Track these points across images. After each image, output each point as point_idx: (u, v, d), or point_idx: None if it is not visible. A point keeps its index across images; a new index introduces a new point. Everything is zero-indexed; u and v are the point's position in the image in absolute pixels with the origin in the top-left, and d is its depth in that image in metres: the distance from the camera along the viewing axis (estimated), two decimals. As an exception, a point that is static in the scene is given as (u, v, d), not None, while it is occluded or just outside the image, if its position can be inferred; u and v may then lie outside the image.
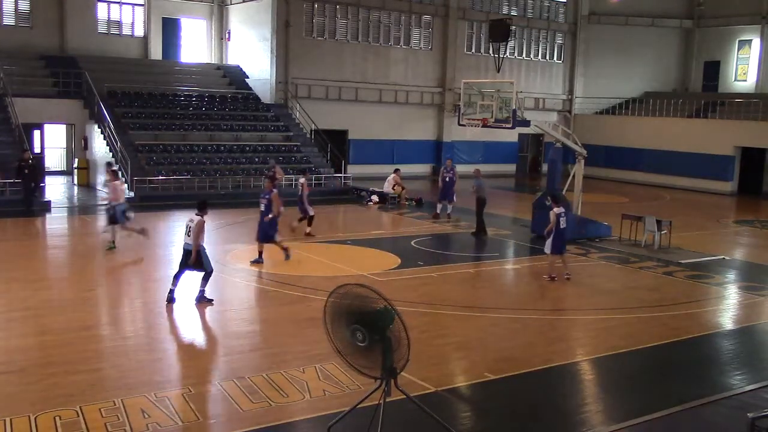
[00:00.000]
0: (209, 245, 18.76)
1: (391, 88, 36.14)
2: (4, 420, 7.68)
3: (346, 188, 28.93)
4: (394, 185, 26.60)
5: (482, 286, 15.47)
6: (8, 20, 31.44)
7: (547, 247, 15.45)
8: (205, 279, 12.80)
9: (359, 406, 7.63)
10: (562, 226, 15.21)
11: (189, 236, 12.56)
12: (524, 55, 40.79)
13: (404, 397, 7.59)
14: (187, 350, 10.78)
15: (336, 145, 32.08)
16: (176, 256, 17.46)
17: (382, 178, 27.49)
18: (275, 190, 15.93)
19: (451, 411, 8.67)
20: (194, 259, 12.51)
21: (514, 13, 39.65)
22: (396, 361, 7.20)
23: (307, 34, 34.00)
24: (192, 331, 11.77)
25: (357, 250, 18.11)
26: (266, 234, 15.94)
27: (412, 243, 19.02)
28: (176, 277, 12.78)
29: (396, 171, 26.93)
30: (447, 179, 23.13)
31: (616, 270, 17.01)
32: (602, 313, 13.20)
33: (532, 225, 20.85)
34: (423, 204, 26.38)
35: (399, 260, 16.78)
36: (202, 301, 12.68)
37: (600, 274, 16.69)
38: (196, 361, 10.17)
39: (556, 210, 15.23)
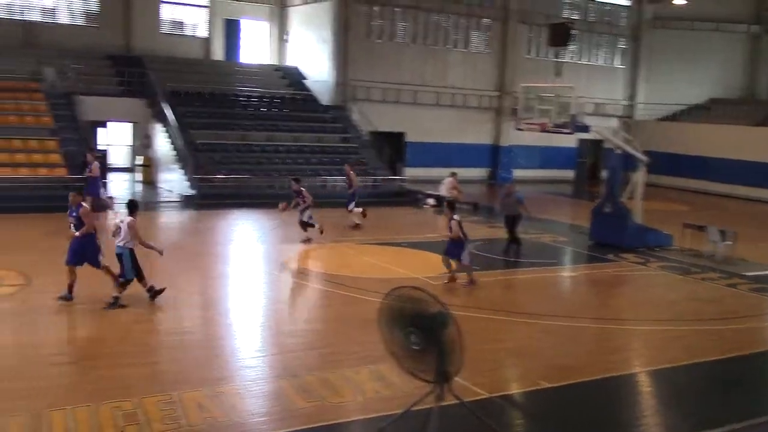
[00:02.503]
0: (266, 244, 19.05)
1: (449, 91, 36.03)
2: (65, 409, 7.89)
3: (401, 191, 28.92)
4: (450, 189, 26.48)
5: (538, 293, 15.27)
6: (78, 21, 32.40)
7: (465, 257, 14.31)
8: (122, 286, 12.04)
9: (412, 409, 7.61)
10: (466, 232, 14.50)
11: (117, 237, 11.97)
12: (585, 60, 40.22)
13: (458, 401, 7.54)
14: (243, 347, 10.91)
15: (393, 147, 32.11)
16: (234, 253, 17.78)
17: (438, 182, 27.40)
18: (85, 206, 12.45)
19: (504, 418, 8.59)
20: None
21: (574, 16, 39.12)
22: (450, 366, 7.16)
23: (366, 36, 34.17)
24: (248, 329, 11.91)
25: (412, 252, 18.09)
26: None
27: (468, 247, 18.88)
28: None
29: (452, 175, 26.77)
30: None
31: (676, 280, 16.61)
32: (661, 324, 12.91)
33: (590, 232, 20.51)
34: (479, 208, 26.19)
35: (454, 264, 16.67)
36: (115, 306, 11.83)
37: (659, 284, 16.33)
38: (251, 358, 10.28)
39: (456, 218, 14.26)
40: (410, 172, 31.91)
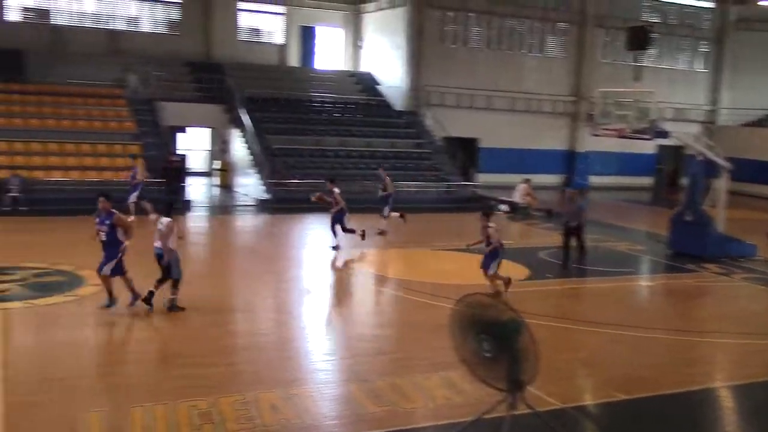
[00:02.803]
0: (339, 248, 19.20)
1: (524, 96, 35.63)
2: (144, 406, 8.13)
3: (474, 197, 28.75)
4: (524, 195, 26.21)
5: (613, 302, 14.93)
6: (160, 29, 33.46)
7: (492, 268, 13.61)
8: (175, 287, 11.99)
9: (483, 417, 7.55)
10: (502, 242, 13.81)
11: (157, 240, 11.92)
12: (665, 64, 39.16)
13: (530, 411, 7.44)
14: (314, 350, 11.03)
15: (466, 153, 31.97)
16: (307, 257, 18.01)
17: (512, 188, 27.15)
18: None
19: (578, 429, 8.43)
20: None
21: (654, 19, 38.16)
22: (523, 374, 7.08)
23: (439, 41, 34.14)
24: (320, 332, 12.03)
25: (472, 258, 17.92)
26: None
27: (541, 255, 18.64)
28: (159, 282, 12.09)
29: (526, 181, 26.52)
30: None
31: (759, 292, 16.00)
32: (742, 337, 12.43)
33: (669, 241, 19.95)
34: (553, 215, 25.80)
35: (527, 271, 16.50)
36: (173, 309, 11.89)
37: (742, 295, 15.75)
38: (323, 362, 10.39)
39: (493, 226, 13.63)
40: (483, 178, 31.67)
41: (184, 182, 26.20)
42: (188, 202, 24.42)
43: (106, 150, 25.02)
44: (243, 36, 34.88)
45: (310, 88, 33.48)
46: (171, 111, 28.21)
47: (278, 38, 35.75)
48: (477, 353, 7.17)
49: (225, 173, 30.19)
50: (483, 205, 16.25)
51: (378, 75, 35.21)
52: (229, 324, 12.04)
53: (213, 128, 31.52)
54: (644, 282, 17.54)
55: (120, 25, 32.70)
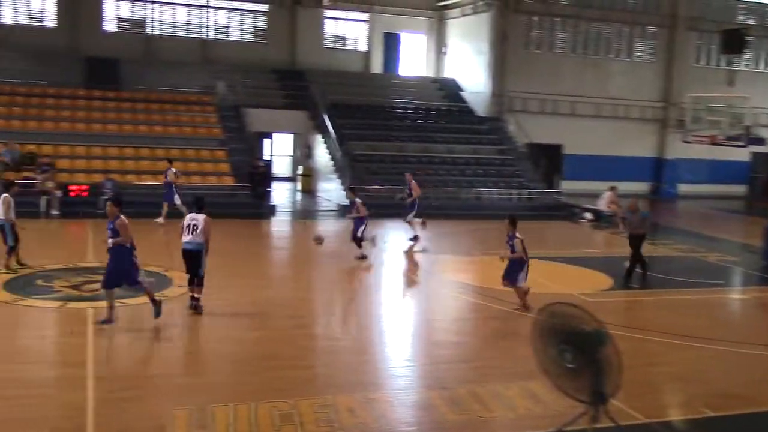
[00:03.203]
0: (420, 254, 19.20)
1: (610, 102, 34.80)
2: (227, 405, 8.31)
3: (557, 204, 28.28)
4: (609, 203, 25.60)
5: (702, 315, 14.38)
6: (247, 38, 34.32)
7: (520, 280, 13.05)
8: (200, 285, 12.03)
9: (564, 429, 7.40)
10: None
11: (192, 235, 11.70)
12: (761, 68, 37.61)
13: (613, 425, 7.25)
14: (393, 355, 11.05)
15: (549, 159, 31.49)
16: (387, 262, 18.06)
17: (597, 196, 26.56)
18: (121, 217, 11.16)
19: (663, 445, 8.16)
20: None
21: (750, 22, 36.70)
22: (606, 387, 6.90)
23: (524, 47, 33.77)
24: (399, 337, 12.04)
25: (567, 268, 17.63)
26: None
27: (627, 264, 18.15)
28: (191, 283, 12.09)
29: (612, 188, 25.87)
30: None
31: None
32: None
33: (763, 252, 19.11)
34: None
35: (611, 281, 16.10)
36: (198, 309, 11.96)
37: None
38: (402, 367, 10.39)
39: (519, 236, 12.93)
40: (567, 186, 31.14)
41: (269, 187, 26.74)
42: (273, 206, 24.89)
43: (194, 155, 25.78)
44: (327, 43, 35.41)
45: (392, 94, 33.68)
46: (257, 117, 28.88)
47: (362, 45, 36.12)
48: (559, 364, 7.04)
49: (308, 178, 30.66)
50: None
51: (461, 81, 35.09)
52: (309, 327, 12.20)
53: (297, 134, 32.07)
54: (736, 294, 16.86)
55: (210, 34, 33.69)
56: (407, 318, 13.12)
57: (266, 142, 33.09)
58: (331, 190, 27.84)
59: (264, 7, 34.19)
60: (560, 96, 33.88)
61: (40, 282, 13.57)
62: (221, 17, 33.99)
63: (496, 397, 9.04)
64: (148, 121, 27.09)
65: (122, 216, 10.96)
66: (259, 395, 8.63)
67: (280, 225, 23.66)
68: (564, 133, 33.54)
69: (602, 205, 25.74)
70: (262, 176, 25.13)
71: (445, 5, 36.06)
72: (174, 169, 21.61)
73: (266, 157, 32.12)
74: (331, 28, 35.57)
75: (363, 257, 17.12)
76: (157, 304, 11.23)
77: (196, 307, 11.95)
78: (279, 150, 34.25)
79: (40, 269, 14.52)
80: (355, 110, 30.84)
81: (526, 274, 12.97)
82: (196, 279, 11.94)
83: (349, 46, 36.15)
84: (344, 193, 26.10)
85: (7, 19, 31.23)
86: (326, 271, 16.87)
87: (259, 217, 23.41)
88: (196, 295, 11.99)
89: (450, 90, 34.76)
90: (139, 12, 32.82)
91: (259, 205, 24.26)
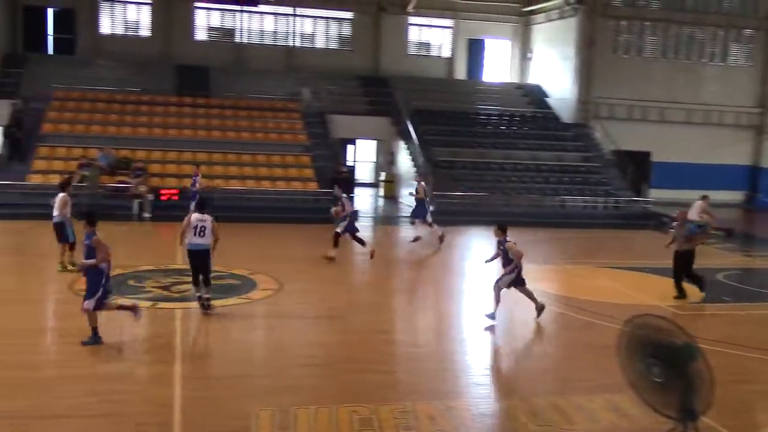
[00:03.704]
0: (499, 263, 19.01)
1: (702, 107, 33.66)
2: (309, 408, 8.40)
3: (645, 213, 27.49)
4: (701, 213, 24.68)
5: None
6: (332, 45, 34.83)
7: (505, 281, 12.62)
8: (208, 285, 12.21)
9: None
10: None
11: (200, 236, 11.92)
12: None
13: (703, 443, 6.99)
14: (474, 364, 10.94)
15: (637, 167, 30.65)
16: (469, 270, 17.95)
17: (687, 205, 25.66)
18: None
19: (757, 466, 7.80)
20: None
21: None
22: (696, 403, 6.65)
23: (611, 51, 33.03)
24: (480, 345, 11.92)
25: (654, 279, 17.08)
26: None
27: (719, 276, 17.49)
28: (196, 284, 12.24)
29: (704, 198, 24.92)
30: None
31: None
32: None
33: None
34: (733, 235, 24.13)
35: (702, 294, 15.51)
36: (209, 309, 12.09)
37: None
38: (482, 376, 10.28)
39: (512, 240, 12.56)
40: (655, 194, 30.24)
41: (352, 193, 27.00)
42: (355, 211, 25.05)
43: (280, 161, 26.28)
44: (411, 50, 35.54)
45: (476, 100, 33.51)
46: (341, 123, 29.23)
47: (446, 52, 36.09)
48: (646, 377, 6.83)
49: (391, 184, 30.78)
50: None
51: (546, 87, 34.61)
52: (390, 332, 12.22)
53: (380, 140, 32.26)
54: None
55: (296, 42, 34.33)
56: (489, 326, 12.97)
57: (350, 148, 33.42)
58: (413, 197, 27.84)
59: (349, 15, 34.64)
60: (649, 102, 32.98)
61: (132, 282, 14.07)
62: (307, 25, 34.63)
63: (579, 409, 8.83)
64: (236, 127, 27.78)
65: (97, 234, 10.29)
66: (339, 399, 8.70)
67: (362, 230, 23.78)
68: (653, 140, 32.61)
69: (693, 215, 24.81)
70: (345, 182, 25.36)
71: (530, 10, 35.65)
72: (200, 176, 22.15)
73: (349, 163, 32.43)
74: (414, 34, 35.71)
75: (366, 247, 17.37)
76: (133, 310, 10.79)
77: (207, 306, 12.06)
78: (362, 156, 34.54)
79: (132, 270, 15.05)
80: (438, 116, 30.81)
81: (513, 279, 12.43)
82: (203, 279, 12.07)
83: (433, 52, 36.19)
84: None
85: (106, 30, 32.61)
86: (407, 276, 16.88)
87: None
88: (205, 295, 12.12)
89: (534, 96, 34.33)
90: (229, 21, 33.77)
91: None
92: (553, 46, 34.34)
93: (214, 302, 12.34)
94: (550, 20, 34.49)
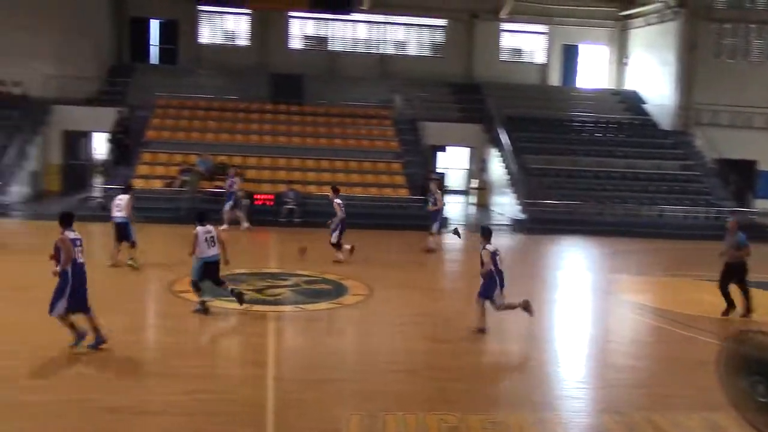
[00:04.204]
0: (595, 272, 18.60)
1: (813, 114, 31.94)
2: (397, 414, 8.42)
3: (750, 224, 26.25)
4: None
5: None
6: (425, 52, 34.93)
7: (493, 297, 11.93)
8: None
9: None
10: (500, 267, 11.89)
11: (214, 247, 12.19)
12: None
13: (812, 468, 6.62)
14: (567, 376, 10.71)
15: (742, 176, 29.34)
16: (561, 280, 17.62)
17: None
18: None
19: None
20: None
21: None
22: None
23: (714, 56, 31.74)
24: (573, 358, 11.67)
25: (758, 293, 16.30)
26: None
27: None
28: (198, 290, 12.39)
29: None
30: None
31: None
32: None
33: None
34: None
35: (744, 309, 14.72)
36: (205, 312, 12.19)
37: None
38: (575, 389, 10.05)
39: (489, 248, 11.81)
40: (762, 205, 28.88)
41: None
42: (445, 219, 25.02)
43: (371, 167, 26.52)
44: (504, 56, 35.26)
45: (570, 107, 32.93)
46: (432, 130, 29.25)
47: (540, 57, 35.63)
48: (750, 397, 6.53)
49: (482, 192, 30.57)
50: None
51: (643, 93, 33.65)
52: (480, 341, 12.11)
53: (472, 147, 32.10)
54: None
55: (388, 50, 34.60)
56: (581, 338, 12.70)
57: (440, 155, 33.39)
58: (505, 204, 27.60)
59: (442, 22, 34.66)
60: (755, 108, 31.50)
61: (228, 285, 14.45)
62: (400, 33, 34.85)
63: (676, 426, 8.52)
64: (329, 134, 28.21)
65: (64, 233, 9.80)
66: (427, 406, 8.68)
67: (452, 238, 23.72)
68: (759, 148, 31.12)
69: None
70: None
71: (628, 15, 34.76)
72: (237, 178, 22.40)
73: (440, 170, 32.39)
74: (508, 41, 35.40)
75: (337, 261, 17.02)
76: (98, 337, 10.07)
77: (207, 310, 12.22)
78: (453, 163, 34.46)
79: (228, 273, 15.45)
80: (530, 123, 30.43)
81: (498, 290, 11.82)
82: (214, 281, 12.31)
83: (526, 58, 35.79)
84: (519, 208, 25.87)
85: (206, 40, 33.76)
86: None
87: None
88: (225, 294, 12.44)
89: (631, 102, 33.44)
90: (322, 30, 34.36)
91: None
92: (651, 51, 33.36)
93: (306, 306, 12.55)
94: (648, 24, 33.51)
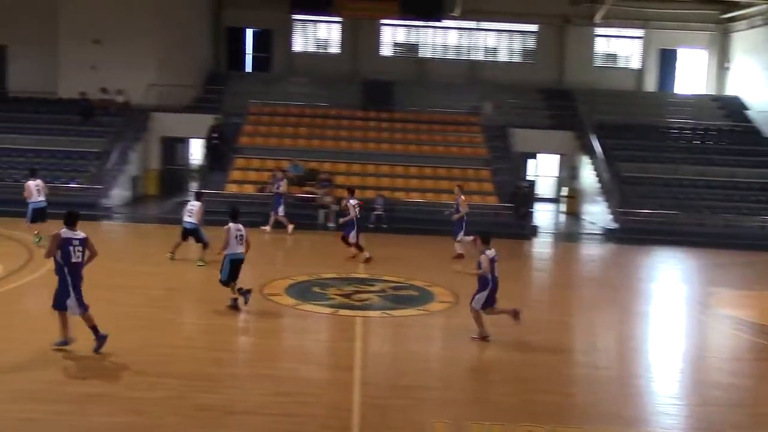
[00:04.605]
0: (691, 285, 17.92)
1: None
2: (483, 424, 8.32)
3: None
4: None
5: None
6: (515, 58, 34.58)
7: (477, 301, 11.46)
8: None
9: None
10: (496, 274, 11.44)
11: (243, 245, 12.58)
12: None
13: None
14: (661, 391, 10.35)
15: None
16: (655, 291, 17.07)
17: None
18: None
19: None
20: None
21: None
22: None
23: (825, 59, 30.19)
24: (667, 372, 11.25)
25: None
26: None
27: None
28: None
29: None
30: None
31: None
32: None
33: None
34: None
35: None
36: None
37: None
38: (669, 405, 9.69)
39: (488, 253, 11.33)
40: None
41: (531, 208, 26.58)
42: (535, 227, 24.68)
43: (459, 174, 26.36)
44: (598, 62, 34.54)
45: (667, 113, 31.90)
46: (522, 137, 28.87)
47: (635, 63, 34.72)
48: None
49: (573, 200, 29.96)
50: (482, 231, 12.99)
51: (746, 98, 32.25)
52: (569, 352, 11.87)
53: (562, 155, 31.52)
54: None
55: (479, 56, 34.42)
56: (677, 352, 12.24)
57: (530, 162, 32.94)
58: (597, 213, 26.95)
59: (533, 28, 34.23)
60: None
61: (316, 289, 14.67)
62: (490, 39, 34.63)
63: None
64: (418, 140, 28.23)
65: (61, 230, 9.87)
66: (514, 417, 8.56)
67: (540, 246, 23.36)
68: None
69: None
70: (525, 197, 25.00)
71: (730, 17, 33.42)
72: (285, 180, 22.47)
73: (530, 177, 31.95)
74: (602, 46, 34.65)
75: (367, 259, 17.47)
76: (98, 337, 10.00)
77: (236, 306, 12.62)
78: (543, 170, 33.92)
79: (316, 277, 15.70)
80: (624, 130, 29.62)
81: (488, 298, 11.46)
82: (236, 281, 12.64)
83: (621, 63, 34.94)
84: (611, 217, 25.21)
85: (298, 48, 34.43)
86: (587, 295, 16.34)
87: (520, 237, 23.29)
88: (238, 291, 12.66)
89: (733, 108, 32.08)
90: (413, 37, 34.48)
91: (521, 226, 24.16)
92: (755, 55, 31.93)
93: (392, 312, 12.58)
94: (752, 27, 32.11)
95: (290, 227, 21.37)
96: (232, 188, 24.43)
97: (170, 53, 29.66)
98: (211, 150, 27.03)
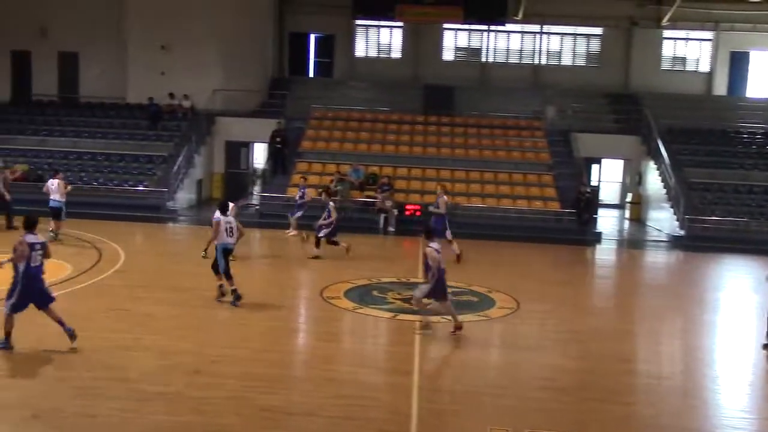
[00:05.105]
0: (761, 295, 17.31)
1: None
2: (541, 431, 8.24)
3: None
4: None
5: None
6: (579, 62, 34.07)
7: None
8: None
9: None
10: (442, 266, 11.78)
11: (234, 236, 13.54)
12: None
13: None
14: (729, 404, 10.04)
15: None
16: (722, 301, 16.57)
17: None
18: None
19: None
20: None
21: None
22: None
23: None
24: (734, 385, 10.89)
25: None
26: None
27: None
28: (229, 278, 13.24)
29: None
30: None
31: None
32: None
33: None
34: None
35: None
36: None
37: None
38: (737, 418, 9.36)
39: (434, 246, 11.90)
40: None
41: (595, 213, 26.13)
42: (598, 233, 24.25)
43: (521, 179, 26.14)
44: (666, 65, 33.77)
45: (738, 117, 30.97)
46: (586, 142, 28.42)
47: (704, 66, 33.82)
48: None
49: (637, 206, 29.35)
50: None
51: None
52: (632, 361, 11.62)
53: (627, 160, 30.91)
54: None
55: (542, 60, 34.04)
56: (746, 363, 11.85)
57: (594, 167, 32.39)
58: (663, 220, 26.33)
59: (598, 31, 33.68)
60: None
61: (375, 293, 14.72)
62: (554, 43, 34.19)
63: None
64: (479, 145, 28.09)
65: (26, 236, 9.96)
66: (575, 426, 8.44)
67: (604, 253, 22.95)
68: None
69: None
70: (588, 202, 24.60)
71: (806, 18, 32.28)
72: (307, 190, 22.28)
73: (593, 182, 31.41)
74: (669, 49, 33.86)
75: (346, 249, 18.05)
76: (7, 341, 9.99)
77: (231, 294, 13.13)
78: (607, 176, 33.31)
79: (376, 281, 15.75)
80: (693, 135, 28.91)
81: (434, 290, 11.81)
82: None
83: (689, 67, 34.06)
84: (678, 224, 24.59)
85: (360, 53, 34.64)
86: (650, 303, 15.96)
87: (583, 243, 22.95)
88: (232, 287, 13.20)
89: (809, 112, 30.96)
90: (475, 41, 34.31)
91: (584, 232, 23.80)
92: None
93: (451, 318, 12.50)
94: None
95: (292, 231, 21.36)
96: (293, 192, 24.70)
97: (235, 59, 30.23)
98: (273, 154, 27.42)
